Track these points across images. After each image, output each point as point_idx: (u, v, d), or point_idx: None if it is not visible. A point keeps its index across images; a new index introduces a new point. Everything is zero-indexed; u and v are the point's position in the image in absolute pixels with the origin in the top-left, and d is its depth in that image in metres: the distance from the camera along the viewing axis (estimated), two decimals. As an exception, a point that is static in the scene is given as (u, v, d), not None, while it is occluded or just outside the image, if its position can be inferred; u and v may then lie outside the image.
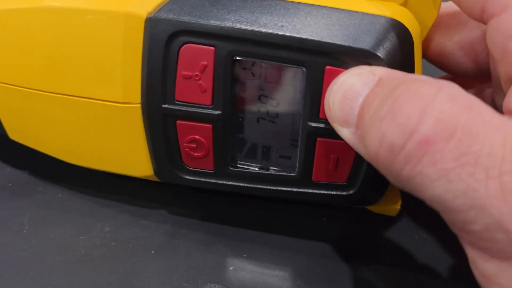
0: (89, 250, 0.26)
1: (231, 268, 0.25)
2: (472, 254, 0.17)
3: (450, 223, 0.17)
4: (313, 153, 0.23)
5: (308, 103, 0.22)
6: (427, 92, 0.17)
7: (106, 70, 0.24)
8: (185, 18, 0.22)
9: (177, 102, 0.23)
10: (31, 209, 0.28)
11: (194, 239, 0.26)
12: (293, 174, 0.24)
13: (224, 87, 0.23)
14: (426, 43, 0.25)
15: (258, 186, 0.25)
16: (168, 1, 0.23)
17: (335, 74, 0.21)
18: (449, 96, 0.16)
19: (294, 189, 0.25)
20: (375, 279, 0.25)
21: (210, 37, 0.22)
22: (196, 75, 0.23)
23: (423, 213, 0.27)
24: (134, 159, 0.26)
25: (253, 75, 0.23)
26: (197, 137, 0.24)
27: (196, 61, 0.22)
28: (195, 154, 0.24)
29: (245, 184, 0.25)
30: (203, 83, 0.23)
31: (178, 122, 0.24)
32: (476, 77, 0.27)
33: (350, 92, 0.20)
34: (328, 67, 0.22)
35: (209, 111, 0.23)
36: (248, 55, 0.22)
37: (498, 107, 0.24)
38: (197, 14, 0.22)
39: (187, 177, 0.25)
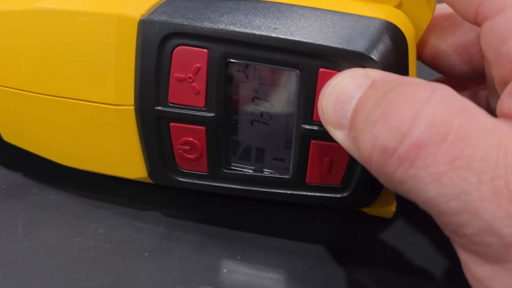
0: (83, 252, 0.25)
1: (225, 270, 0.25)
2: (465, 258, 0.17)
3: (443, 226, 0.17)
4: (307, 155, 0.23)
5: (302, 106, 0.22)
6: (420, 95, 0.17)
7: (99, 72, 0.24)
8: (178, 20, 0.22)
9: (171, 104, 0.23)
10: (25, 211, 0.28)
11: (188, 241, 0.26)
12: (287, 177, 0.24)
13: (218, 89, 0.23)
14: (421, 45, 0.25)
15: (252, 188, 0.25)
16: (162, 3, 0.23)
17: (329, 77, 0.21)
18: (442, 99, 0.16)
19: (288, 192, 0.25)
20: (370, 281, 0.25)
21: (203, 39, 0.22)
22: (190, 77, 0.23)
23: (418, 215, 0.27)
24: (128, 161, 0.26)
25: (247, 77, 0.23)
26: (190, 139, 0.24)
27: (189, 63, 0.22)
28: (188, 156, 0.24)
29: (239, 186, 0.25)
30: (196, 85, 0.23)
31: (171, 124, 0.24)
32: (471, 79, 0.27)
33: (343, 94, 0.19)
34: (321, 69, 0.22)
35: (203, 113, 0.23)
36: (241, 57, 0.22)
37: (492, 110, 0.24)
38: (191, 16, 0.22)
39: (181, 179, 0.25)
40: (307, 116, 0.23)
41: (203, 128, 0.24)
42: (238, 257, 0.26)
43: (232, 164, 0.25)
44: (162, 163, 0.25)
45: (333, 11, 0.22)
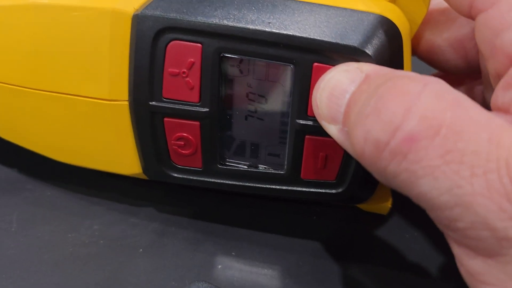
0: (77, 248, 0.25)
1: (219, 266, 0.25)
2: (458, 252, 0.17)
3: (436, 220, 0.17)
4: (302, 150, 0.23)
5: (296, 100, 0.22)
6: (412, 89, 0.16)
7: (93, 67, 0.24)
8: (172, 15, 0.22)
9: (165, 100, 0.23)
10: (20, 207, 0.28)
11: (183, 237, 0.26)
12: (282, 172, 0.24)
13: (212, 84, 0.23)
14: (416, 40, 0.25)
15: (247, 184, 0.25)
16: (155, -2, 0.23)
17: (323, 71, 0.21)
18: (435, 93, 0.16)
19: (283, 187, 0.25)
20: (365, 277, 0.25)
21: (197, 34, 0.22)
22: (183, 72, 0.23)
23: (414, 211, 0.27)
24: (122, 157, 0.26)
25: (241, 72, 0.23)
26: (185, 134, 0.24)
27: (183, 58, 0.22)
28: (183, 151, 0.24)
29: (234, 182, 0.25)
30: (190, 80, 0.23)
31: (165, 119, 0.24)
32: (466, 74, 0.27)
33: (337, 89, 0.19)
34: (316, 64, 0.22)
35: (197, 109, 0.23)
36: (235, 52, 0.22)
37: (488, 104, 0.24)
38: (184, 10, 0.22)
39: (175, 175, 0.25)
40: (302, 111, 0.22)
41: (197, 123, 0.23)
42: (233, 253, 0.26)
43: (227, 159, 0.25)
44: (156, 159, 0.25)
45: (327, 5, 0.22)
